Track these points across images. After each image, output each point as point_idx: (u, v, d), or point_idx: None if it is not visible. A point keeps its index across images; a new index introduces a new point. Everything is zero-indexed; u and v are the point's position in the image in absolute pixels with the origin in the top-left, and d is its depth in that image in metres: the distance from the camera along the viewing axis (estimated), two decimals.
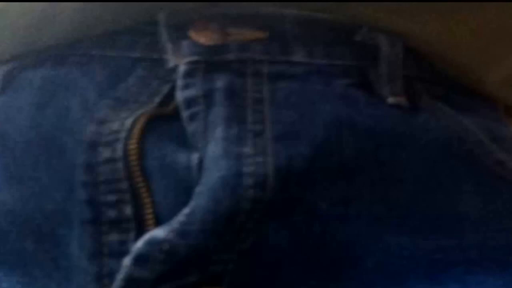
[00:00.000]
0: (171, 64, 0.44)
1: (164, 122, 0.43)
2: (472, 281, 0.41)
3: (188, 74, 0.43)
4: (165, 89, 0.43)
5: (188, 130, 0.42)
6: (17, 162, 0.44)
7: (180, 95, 0.43)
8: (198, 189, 0.40)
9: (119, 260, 0.40)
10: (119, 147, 0.42)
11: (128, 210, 0.41)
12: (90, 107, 0.43)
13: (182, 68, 0.43)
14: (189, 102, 0.42)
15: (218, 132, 0.41)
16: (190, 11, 0.45)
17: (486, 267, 0.41)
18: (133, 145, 0.42)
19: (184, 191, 0.41)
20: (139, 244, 0.40)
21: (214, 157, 0.41)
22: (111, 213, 0.41)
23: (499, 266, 0.42)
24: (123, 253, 0.40)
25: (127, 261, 0.40)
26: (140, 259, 0.40)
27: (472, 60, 0.47)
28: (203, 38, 0.44)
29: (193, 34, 0.44)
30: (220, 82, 0.43)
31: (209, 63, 0.43)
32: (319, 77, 0.43)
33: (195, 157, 0.41)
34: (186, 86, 0.43)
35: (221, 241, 0.40)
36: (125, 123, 0.42)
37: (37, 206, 0.43)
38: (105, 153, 0.42)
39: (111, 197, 0.41)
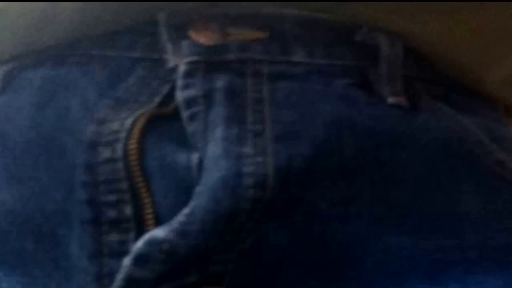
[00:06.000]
0: (171, 64, 0.44)
1: (164, 122, 0.43)
2: (472, 281, 0.41)
3: (188, 74, 0.43)
4: (165, 89, 0.43)
5: (188, 130, 0.42)
6: (17, 162, 0.44)
7: (180, 95, 0.43)
8: (198, 189, 0.40)
9: (119, 260, 0.40)
10: (119, 147, 0.42)
11: (128, 210, 0.41)
12: (90, 107, 0.43)
13: (182, 68, 0.43)
14: (189, 102, 0.42)
15: (218, 132, 0.41)
16: (190, 11, 0.45)
17: (486, 267, 0.41)
18: (133, 145, 0.42)
19: (184, 191, 0.41)
20: (139, 244, 0.40)
21: (214, 157, 0.41)
22: (111, 213, 0.41)
23: (499, 266, 0.42)
24: (123, 253, 0.40)
25: (127, 261, 0.40)
26: (140, 259, 0.40)
27: (472, 60, 0.47)
28: (203, 38, 0.44)
29: (193, 34, 0.44)
30: (220, 82, 0.43)
31: (209, 63, 0.43)
32: (319, 77, 0.43)
33: (195, 157, 0.41)
34: (186, 86, 0.43)
35: (221, 241, 0.40)
36: (125, 123, 0.42)
37: (37, 206, 0.43)
38: (105, 153, 0.42)
39: (111, 197, 0.42)
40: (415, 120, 0.43)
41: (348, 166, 0.42)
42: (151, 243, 0.40)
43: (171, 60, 0.44)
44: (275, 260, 0.41)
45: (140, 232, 0.41)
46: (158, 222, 0.41)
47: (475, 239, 0.42)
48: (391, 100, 0.44)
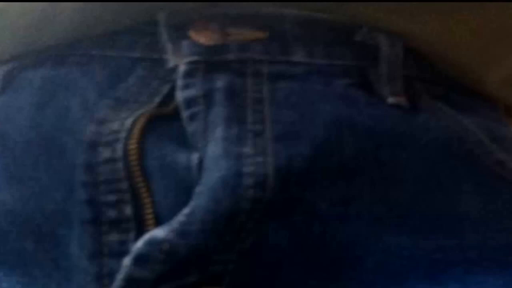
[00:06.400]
0: (171, 64, 0.44)
1: (164, 122, 0.43)
2: (472, 281, 0.41)
3: (188, 74, 0.43)
4: (165, 89, 0.43)
5: (188, 130, 0.42)
6: (17, 162, 0.44)
7: (180, 95, 0.43)
8: (198, 189, 0.40)
9: (119, 260, 0.40)
10: (119, 147, 0.42)
11: (128, 210, 0.41)
12: (90, 107, 0.43)
13: (182, 68, 0.43)
14: (189, 102, 0.42)
15: (218, 132, 0.41)
16: (190, 11, 0.45)
17: (486, 267, 0.41)
18: (133, 145, 0.42)
19: (184, 191, 0.41)
20: (139, 244, 0.40)
21: (214, 157, 0.41)
22: (111, 213, 0.41)
23: (499, 266, 0.42)
24: (123, 253, 0.40)
25: (127, 261, 0.40)
26: (140, 259, 0.40)
27: (472, 60, 0.47)
28: (203, 38, 0.44)
29: (193, 34, 0.44)
30: (220, 82, 0.43)
31: (209, 63, 0.43)
32: (319, 77, 0.43)
33: (195, 157, 0.41)
34: (186, 86, 0.43)
35: (221, 241, 0.40)
36: (125, 123, 0.42)
37: (37, 206, 0.43)
38: (105, 153, 0.42)
39: (111, 197, 0.42)
40: (415, 120, 0.43)
41: (348, 166, 0.42)
42: (151, 243, 0.40)
43: (171, 60, 0.44)
44: (275, 260, 0.41)
45: (140, 232, 0.41)
46: (158, 222, 0.41)
47: (475, 239, 0.42)
48: (391, 100, 0.44)
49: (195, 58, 0.43)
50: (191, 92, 0.42)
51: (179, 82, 0.43)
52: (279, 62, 0.44)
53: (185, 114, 0.42)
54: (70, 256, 0.42)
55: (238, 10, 0.45)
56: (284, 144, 0.41)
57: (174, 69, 0.43)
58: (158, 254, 0.40)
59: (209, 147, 0.41)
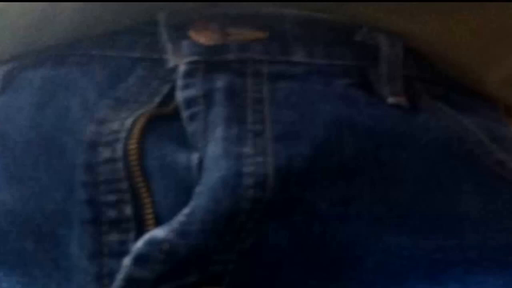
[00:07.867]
0: (171, 64, 0.44)
1: (164, 122, 0.43)
2: (472, 281, 0.41)
3: (188, 74, 0.43)
4: (165, 89, 0.43)
5: (188, 130, 0.42)
6: (17, 162, 0.44)
7: (180, 95, 0.43)
8: (198, 189, 0.40)
9: (119, 260, 0.40)
10: (119, 147, 0.42)
11: (128, 210, 0.41)
12: (90, 107, 0.43)
13: (182, 68, 0.43)
14: (189, 102, 0.42)
15: (218, 132, 0.41)
16: (190, 11, 0.45)
17: (486, 267, 0.41)
18: (133, 145, 0.42)
19: (184, 191, 0.41)
20: (139, 244, 0.40)
21: (214, 157, 0.41)
22: (111, 213, 0.41)
23: (499, 266, 0.42)
24: (123, 253, 0.40)
25: (127, 261, 0.40)
26: (140, 259, 0.40)
27: (472, 60, 0.47)
28: (203, 38, 0.44)
29: (193, 34, 0.44)
30: (220, 82, 0.43)
31: (209, 63, 0.43)
32: (319, 77, 0.43)
33: (195, 157, 0.41)
34: (186, 86, 0.43)
35: (221, 241, 0.40)
36: (125, 123, 0.42)
37: (37, 206, 0.43)
38: (105, 153, 0.42)
39: (111, 197, 0.42)
40: (415, 120, 0.43)
41: (348, 166, 0.42)
42: (151, 243, 0.40)
43: (171, 60, 0.44)
44: (275, 260, 0.41)
45: (140, 232, 0.41)
46: (158, 222, 0.41)
47: (475, 239, 0.42)
48: (391, 100, 0.44)
49: (195, 58, 0.43)
50: (191, 92, 0.42)
51: (179, 82, 0.43)
52: (279, 62, 0.44)
53: (185, 114, 0.42)
54: (70, 256, 0.42)
55: (238, 10, 0.45)
56: (284, 144, 0.41)
57: (174, 69, 0.43)
58: (158, 254, 0.40)
59: (209, 147, 0.41)
